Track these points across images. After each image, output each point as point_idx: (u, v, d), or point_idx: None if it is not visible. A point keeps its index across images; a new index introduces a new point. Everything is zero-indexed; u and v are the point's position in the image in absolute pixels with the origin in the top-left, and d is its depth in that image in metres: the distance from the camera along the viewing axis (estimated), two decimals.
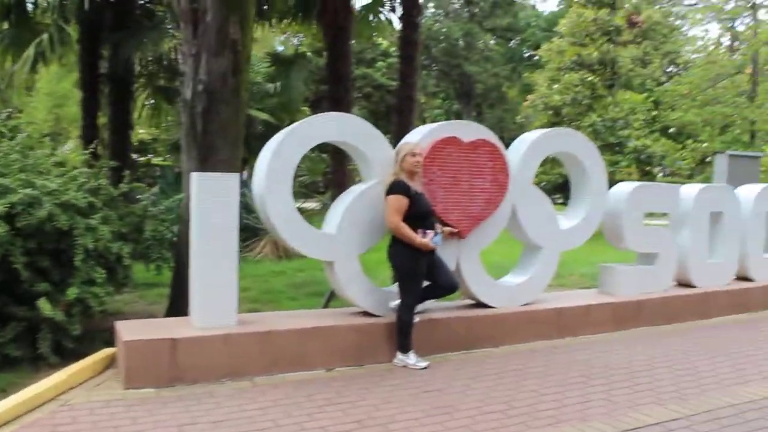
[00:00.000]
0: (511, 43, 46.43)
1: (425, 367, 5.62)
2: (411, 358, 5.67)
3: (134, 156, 18.91)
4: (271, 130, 15.10)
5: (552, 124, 19.84)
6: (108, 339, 5.77)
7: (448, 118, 34.14)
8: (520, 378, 5.46)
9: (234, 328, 5.32)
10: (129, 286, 6.81)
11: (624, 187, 7.70)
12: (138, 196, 6.78)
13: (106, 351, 5.47)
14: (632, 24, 21.28)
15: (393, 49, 27.00)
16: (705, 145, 25.70)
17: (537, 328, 6.67)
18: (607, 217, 7.49)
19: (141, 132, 22.89)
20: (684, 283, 8.13)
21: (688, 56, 31.25)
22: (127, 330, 5.18)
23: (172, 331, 5.16)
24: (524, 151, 6.81)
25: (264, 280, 9.77)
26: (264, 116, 16.09)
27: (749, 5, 26.90)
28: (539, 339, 6.64)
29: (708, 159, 26.49)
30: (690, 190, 8.20)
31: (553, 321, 6.78)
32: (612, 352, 6.37)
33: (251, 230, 11.63)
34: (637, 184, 7.75)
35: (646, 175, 19.44)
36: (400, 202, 5.50)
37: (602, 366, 5.88)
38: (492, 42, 42.36)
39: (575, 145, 7.18)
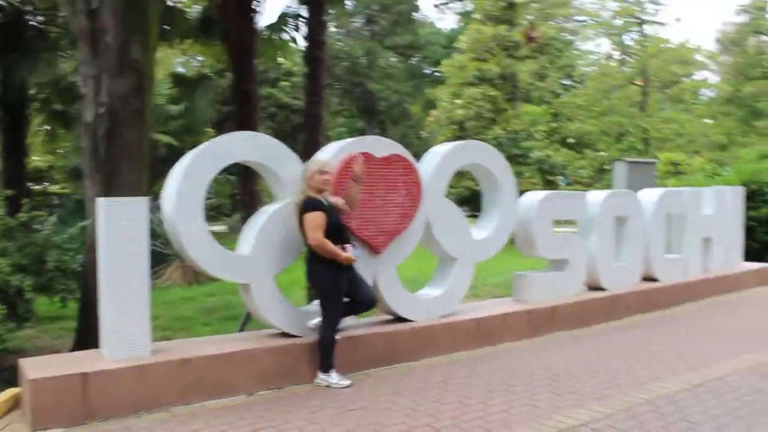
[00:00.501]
0: (413, 60, 47.07)
1: (348, 386, 5.54)
2: (333, 377, 5.59)
3: (29, 184, 18.11)
4: (174, 153, 14.75)
5: (456, 138, 20.15)
6: (10, 378, 5.44)
7: (351, 136, 34.26)
8: (443, 390, 5.45)
9: (148, 358, 5.10)
10: (31, 321, 6.47)
11: (533, 197, 7.86)
12: (36, 226, 6.46)
13: (10, 392, 5.15)
14: (530, 39, 21.95)
15: (296, 68, 26.95)
16: (603, 153, 26.71)
17: (457, 339, 6.70)
18: (519, 226, 7.63)
19: (36, 159, 21.96)
20: (594, 287, 8.35)
21: (582, 69, 32.46)
22: (31, 367, 4.88)
23: (82, 365, 4.91)
24: (436, 164, 6.85)
25: (174, 307, 9.50)
26: (167, 139, 15.73)
27: (637, 21, 28.18)
28: (459, 350, 6.67)
29: (606, 166, 27.54)
30: (596, 196, 8.45)
31: (472, 331, 6.83)
32: (531, 358, 6.46)
33: (158, 256, 11.30)
34: (546, 193, 7.93)
35: (549, 185, 20.00)
36: (319, 218, 5.43)
37: (523, 372, 5.94)
38: (393, 59, 42.78)
39: (486, 157, 7.29)
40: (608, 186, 23.60)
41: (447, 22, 77.21)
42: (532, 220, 7.60)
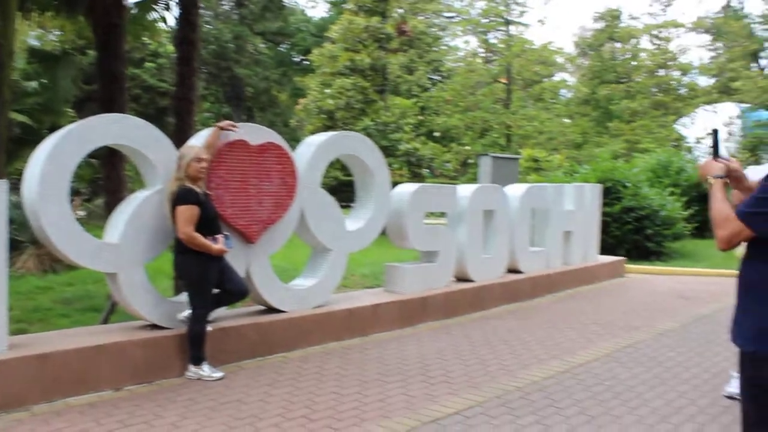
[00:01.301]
0: (282, 48, 46.56)
1: (220, 378, 5.41)
2: (205, 370, 5.44)
3: None
4: (29, 133, 13.88)
5: (326, 128, 20.20)
6: None
7: (217, 121, 33.56)
8: (318, 381, 5.43)
9: (4, 353, 4.77)
10: None
11: (406, 189, 7.96)
12: None
13: None
14: (402, 32, 22.22)
15: (162, 49, 26.01)
16: (467, 147, 27.49)
17: (329, 329, 6.68)
18: (391, 217, 7.70)
19: None
20: (463, 278, 8.56)
21: (450, 65, 33.24)
22: None
23: None
24: (311, 154, 6.80)
25: (29, 298, 8.96)
26: (21, 118, 14.76)
27: (503, 21, 29.16)
28: (332, 340, 6.66)
29: (470, 160, 28.38)
30: (466, 190, 8.66)
31: (344, 322, 6.83)
32: (403, 348, 6.55)
33: (11, 243, 10.58)
34: (418, 185, 8.04)
35: (416, 177, 20.36)
36: (192, 211, 5.26)
37: (396, 362, 6.02)
38: (262, 46, 42.14)
39: (361, 149, 7.31)
40: (472, 179, 24.36)
41: (317, 10, 76.96)
42: (405, 212, 7.69)
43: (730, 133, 31.97)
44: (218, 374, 5.44)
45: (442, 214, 8.66)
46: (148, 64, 26.74)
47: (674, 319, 8.15)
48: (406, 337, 6.99)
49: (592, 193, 11.17)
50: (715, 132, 3.06)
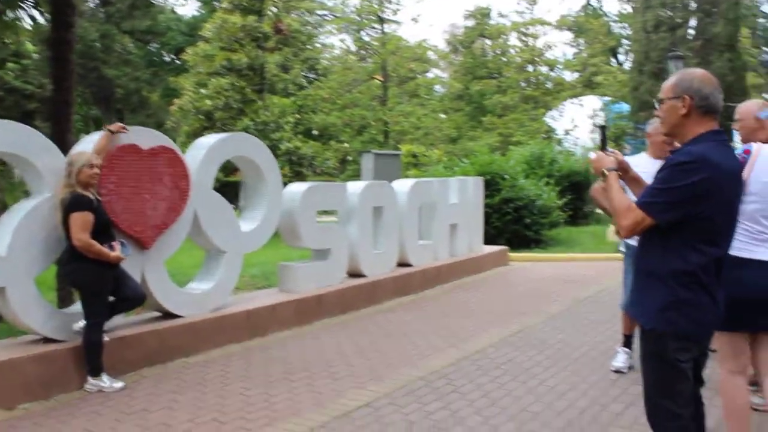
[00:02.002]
0: (152, 47, 45.18)
1: (121, 388, 5.28)
2: (104, 381, 5.29)
3: None
4: None
5: (204, 129, 19.81)
6: None
7: (86, 124, 32.29)
8: (223, 384, 5.40)
9: None
10: None
11: (297, 188, 7.99)
12: None
13: None
14: (279, 31, 22.06)
15: (24, 48, 24.66)
16: (346, 145, 27.68)
17: (229, 332, 6.63)
18: (284, 217, 7.71)
19: None
20: (355, 274, 8.67)
21: (325, 63, 33.30)
22: None
23: None
24: (203, 157, 6.72)
25: None
26: None
27: (377, 19, 29.49)
28: (232, 342, 6.61)
29: (349, 157, 28.60)
30: (355, 187, 8.77)
31: (243, 323, 6.80)
32: (304, 346, 6.58)
33: None
34: (309, 184, 8.10)
35: (298, 176, 20.31)
36: (86, 218, 5.10)
37: (299, 360, 6.05)
38: (131, 45, 40.74)
39: (252, 150, 7.28)
40: (352, 176, 24.55)
41: (187, 8, 75.09)
42: (297, 211, 7.72)
43: (594, 125, 33.73)
44: (119, 384, 5.31)
45: (333, 212, 8.75)
46: (10, 65, 25.30)
47: (559, 302, 8.57)
48: (305, 335, 7.03)
49: (475, 186, 11.55)
50: (602, 127, 3.31)
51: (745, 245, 3.44)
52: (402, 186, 9.70)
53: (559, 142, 29.18)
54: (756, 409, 4.81)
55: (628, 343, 5.84)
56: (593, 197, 5.96)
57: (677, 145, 3.05)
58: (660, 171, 2.84)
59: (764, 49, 54.24)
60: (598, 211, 20.47)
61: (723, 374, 3.56)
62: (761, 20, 56.19)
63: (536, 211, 14.58)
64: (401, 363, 5.96)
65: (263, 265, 10.72)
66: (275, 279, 8.86)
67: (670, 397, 2.89)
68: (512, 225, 14.25)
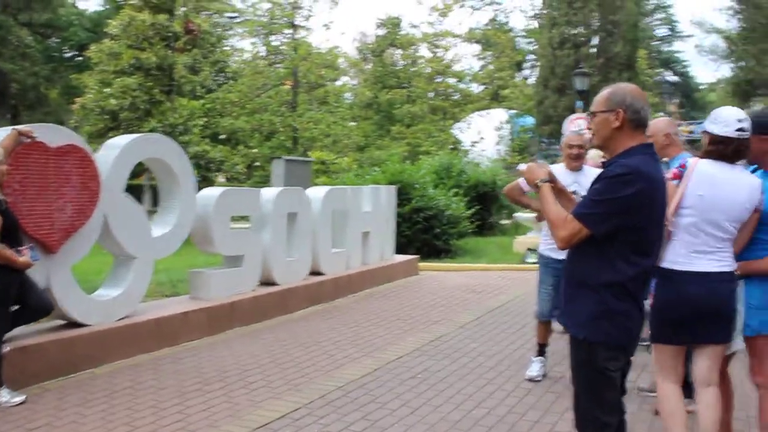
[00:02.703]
0: (52, 42, 43.41)
1: (22, 402, 4.99)
2: (4, 395, 4.98)
3: None
4: None
5: (108, 129, 19.20)
6: None
7: None
8: (134, 396, 5.19)
9: None
10: None
11: (211, 192, 7.82)
12: None
13: None
14: (189, 31, 21.57)
15: None
16: (254, 150, 27.32)
17: (138, 341, 6.39)
18: (197, 222, 7.51)
19: None
20: (268, 282, 8.52)
21: (235, 66, 32.78)
22: None
23: None
24: (115, 158, 6.47)
25: None
26: None
27: (289, 24, 29.27)
28: (141, 352, 6.37)
29: (257, 163, 28.24)
30: (269, 193, 8.65)
31: (152, 332, 6.57)
32: (217, 355, 6.42)
33: None
34: (223, 189, 7.94)
35: (206, 180, 19.94)
36: None
37: (213, 370, 5.89)
38: (29, 38, 39.02)
39: (166, 152, 7.07)
40: (259, 182, 24.25)
41: (90, 3, 72.73)
42: (211, 216, 7.54)
43: (500, 137, 34.55)
44: (19, 398, 5.02)
45: (245, 218, 8.59)
46: None
47: (470, 312, 8.68)
48: (218, 344, 6.86)
49: (388, 194, 11.59)
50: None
51: (684, 257, 3.54)
52: (316, 193, 9.63)
53: (466, 153, 29.67)
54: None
55: (542, 352, 5.97)
56: (507, 194, 6.07)
57: (605, 157, 3.13)
58: (595, 183, 2.91)
59: (659, 70, 57.13)
60: (504, 222, 20.98)
61: (662, 385, 3.64)
62: (655, 43, 59.14)
63: (445, 221, 14.76)
64: (317, 373, 5.89)
65: (169, 271, 10.40)
66: (183, 286, 8.65)
67: (599, 406, 2.96)
68: (422, 234, 14.36)
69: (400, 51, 37.98)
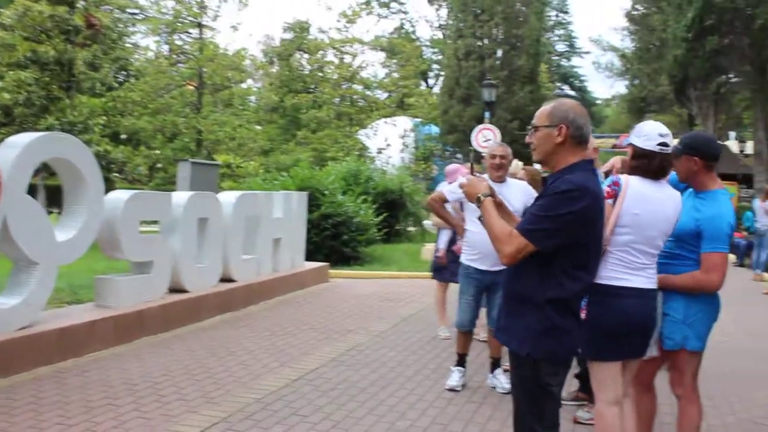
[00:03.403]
0: None
1: None
2: None
3: None
4: None
5: (1, 126, 18.19)
6: None
7: None
8: (36, 412, 4.86)
9: None
10: None
11: (119, 196, 7.47)
12: None
13: None
14: (91, 26, 20.69)
15: None
16: (157, 151, 26.50)
17: (38, 353, 6.00)
18: (104, 227, 7.16)
19: None
20: (177, 289, 8.22)
21: (137, 64, 31.73)
22: None
23: None
24: (15, 157, 6.07)
25: None
26: None
27: (195, 24, 28.57)
28: (42, 365, 5.98)
29: (159, 165, 27.42)
30: (180, 197, 8.36)
31: (55, 343, 6.19)
32: (126, 367, 6.11)
33: None
34: (132, 192, 7.61)
35: (107, 182, 19.13)
36: None
37: (122, 383, 5.60)
38: None
39: (73, 151, 6.70)
40: (161, 185, 23.55)
41: None
42: (119, 220, 7.21)
43: (405, 145, 34.84)
44: None
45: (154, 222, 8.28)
46: None
47: (384, 320, 8.64)
48: (126, 355, 6.54)
49: (299, 200, 11.44)
50: (475, 153, 3.33)
51: (621, 274, 3.57)
52: (228, 197, 9.38)
53: (372, 160, 29.76)
54: (579, 422, 5.08)
55: (462, 362, 5.97)
56: (430, 206, 6.05)
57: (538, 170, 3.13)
58: (540, 198, 2.90)
59: (558, 84, 59.09)
60: (410, 229, 21.11)
61: (600, 405, 3.62)
62: (555, 57, 61.21)
63: (354, 228, 14.70)
64: (234, 384, 5.70)
65: (68, 277, 9.91)
66: (85, 293, 8.24)
67: (539, 420, 2.95)
68: (330, 241, 14.24)
69: (307, 56, 37.74)
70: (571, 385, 5.82)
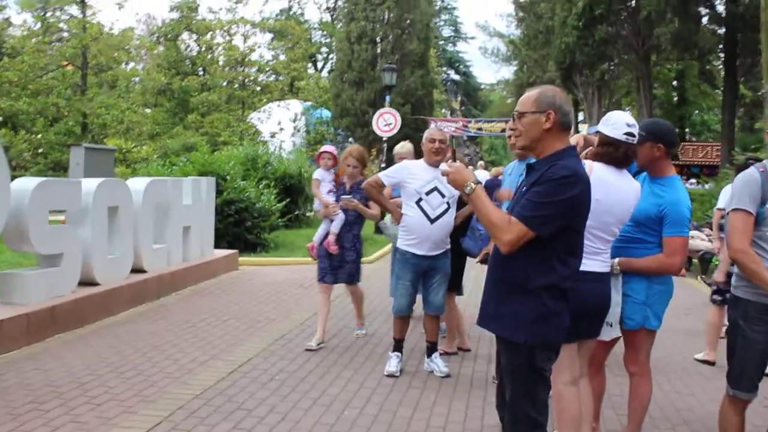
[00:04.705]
0: None
1: None
2: None
3: None
4: None
5: None
6: None
7: None
8: None
9: None
10: None
11: (26, 184, 6.99)
12: None
13: None
14: None
15: None
16: (39, 136, 25.05)
17: None
18: (10, 218, 6.68)
19: None
20: (88, 282, 7.79)
21: (13, 41, 29.79)
22: None
23: None
24: None
25: None
26: None
27: (78, 1, 27.13)
28: None
29: (41, 150, 25.96)
30: (89, 184, 7.90)
31: None
32: (45, 368, 5.73)
33: None
34: (40, 179, 7.15)
35: None
36: None
37: (45, 385, 5.25)
38: None
39: None
40: (44, 171, 22.33)
41: None
42: (26, 210, 6.75)
43: (297, 129, 34.46)
44: None
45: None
46: None
47: (304, 308, 8.52)
48: (42, 355, 6.14)
49: (208, 186, 11.10)
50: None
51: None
52: (137, 184, 8.97)
53: (265, 144, 29.31)
54: None
55: (399, 347, 5.96)
56: (367, 190, 5.97)
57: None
58: (536, 185, 2.88)
59: (444, 68, 60.01)
60: (310, 213, 20.88)
61: (558, 386, 3.67)
62: (441, 42, 62.10)
63: (257, 214, 14.40)
64: (167, 380, 5.46)
65: None
66: None
67: (533, 406, 2.96)
68: (233, 228, 13.90)
69: (196, 36, 36.62)
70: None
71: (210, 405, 4.91)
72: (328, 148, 7.17)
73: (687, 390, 5.86)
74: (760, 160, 4.48)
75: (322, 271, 6.88)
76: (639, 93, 25.52)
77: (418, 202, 5.66)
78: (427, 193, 5.64)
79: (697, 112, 38.76)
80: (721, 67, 28.96)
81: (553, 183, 2.83)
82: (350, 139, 32.82)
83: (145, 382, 5.39)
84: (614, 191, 3.68)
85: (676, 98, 35.02)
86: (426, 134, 5.84)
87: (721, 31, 25.49)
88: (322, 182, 6.96)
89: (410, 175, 5.74)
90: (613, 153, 3.72)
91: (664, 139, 3.98)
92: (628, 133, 3.72)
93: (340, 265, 6.79)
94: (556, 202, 2.81)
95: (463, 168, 3.08)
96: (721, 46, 26.24)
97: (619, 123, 3.75)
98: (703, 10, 24.83)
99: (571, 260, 2.93)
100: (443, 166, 3.09)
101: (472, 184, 2.98)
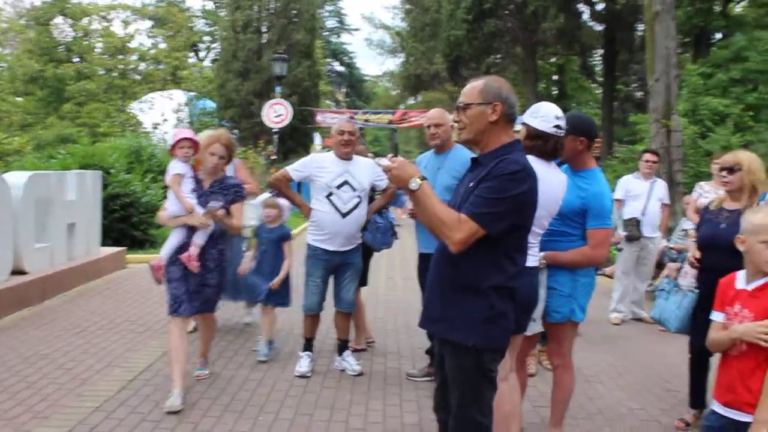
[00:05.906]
0: None
1: None
2: None
3: None
4: None
5: None
6: None
7: None
8: None
9: None
10: None
11: None
12: None
13: None
14: None
15: None
16: None
17: None
18: None
19: None
20: None
21: None
22: None
23: None
24: None
25: None
26: None
27: None
28: None
29: None
30: None
31: None
32: None
33: None
34: None
35: None
36: None
37: None
38: None
39: None
40: None
41: None
42: None
43: (180, 120, 33.36)
44: None
45: None
46: None
47: None
48: None
49: (94, 180, 10.47)
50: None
51: None
52: (16, 179, 8.31)
53: (147, 135, 28.22)
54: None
55: (309, 346, 5.78)
56: (274, 185, 5.75)
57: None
58: (485, 180, 2.75)
59: (329, 60, 59.70)
60: None
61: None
62: (325, 33, 61.75)
63: (143, 209, 13.79)
64: (61, 393, 5.05)
65: None
66: None
67: (479, 409, 2.87)
68: (119, 223, 13.24)
69: (71, 20, 34.66)
70: (421, 361, 5.87)
71: (112, 418, 4.56)
72: (185, 133, 5.23)
73: (596, 378, 5.95)
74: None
75: (176, 300, 4.98)
76: (525, 86, 26.17)
77: (328, 197, 5.48)
78: (338, 187, 5.47)
79: (575, 105, 40.29)
80: (600, 63, 30.11)
81: (504, 178, 2.70)
82: (235, 131, 32.07)
83: (36, 397, 4.96)
84: (546, 185, 3.61)
85: (556, 92, 36.15)
86: (335, 126, 5.65)
87: (600, 28, 26.48)
88: (184, 178, 5.03)
89: (319, 168, 5.55)
90: (543, 146, 3.65)
91: (586, 133, 3.98)
92: (556, 126, 3.67)
93: (198, 290, 5.06)
94: (505, 198, 2.69)
95: (407, 163, 2.90)
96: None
97: (548, 115, 3.68)
98: (581, 7, 25.68)
99: (519, 258, 2.85)
100: (383, 161, 2.87)
101: (418, 179, 2.77)
